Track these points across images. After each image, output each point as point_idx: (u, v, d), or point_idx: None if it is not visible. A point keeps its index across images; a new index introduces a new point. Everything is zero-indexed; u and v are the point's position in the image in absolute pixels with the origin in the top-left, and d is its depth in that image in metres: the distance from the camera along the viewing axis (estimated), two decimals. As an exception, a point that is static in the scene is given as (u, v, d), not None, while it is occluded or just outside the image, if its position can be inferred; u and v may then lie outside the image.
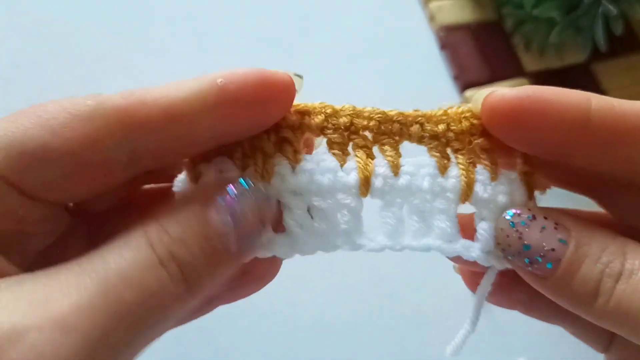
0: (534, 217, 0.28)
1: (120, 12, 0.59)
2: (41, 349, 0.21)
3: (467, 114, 0.29)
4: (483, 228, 0.28)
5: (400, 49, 0.59)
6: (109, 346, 0.22)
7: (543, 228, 0.27)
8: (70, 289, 0.22)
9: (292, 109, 0.28)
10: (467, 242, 0.28)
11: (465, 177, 0.28)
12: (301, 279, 0.45)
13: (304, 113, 0.29)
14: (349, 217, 0.28)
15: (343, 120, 0.29)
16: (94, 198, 0.27)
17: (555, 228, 0.27)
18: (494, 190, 0.28)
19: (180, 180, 0.28)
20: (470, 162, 0.29)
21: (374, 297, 0.47)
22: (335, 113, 0.29)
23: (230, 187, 0.25)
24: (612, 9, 0.51)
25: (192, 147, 0.27)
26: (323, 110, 0.29)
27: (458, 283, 0.34)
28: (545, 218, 0.27)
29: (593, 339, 0.32)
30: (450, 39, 0.59)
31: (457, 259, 0.29)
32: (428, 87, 0.58)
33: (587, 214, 0.32)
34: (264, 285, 0.31)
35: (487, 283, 0.31)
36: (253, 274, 0.30)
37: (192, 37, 0.58)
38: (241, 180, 0.26)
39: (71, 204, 0.29)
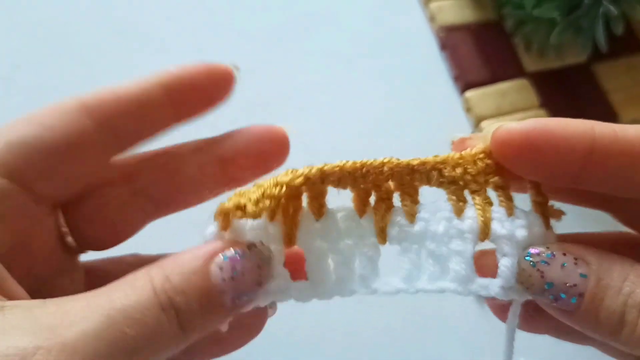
0: (553, 255, 0.29)
1: (120, 12, 0.59)
2: None
3: (481, 156, 0.30)
4: (504, 265, 0.29)
5: (400, 49, 0.59)
6: None
7: (563, 265, 0.28)
8: (78, 318, 0.25)
9: (327, 172, 0.30)
10: (485, 280, 0.29)
11: (482, 217, 0.30)
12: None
13: (336, 176, 0.30)
14: (367, 263, 0.30)
15: (359, 174, 0.30)
16: (94, 224, 0.32)
17: (575, 263, 0.28)
18: (512, 225, 0.30)
19: (210, 230, 0.30)
20: (486, 202, 0.30)
21: (375, 298, 0.47)
22: (361, 168, 0.30)
23: (235, 247, 0.28)
24: (613, 10, 0.51)
25: (159, 125, 0.33)
26: (354, 170, 0.30)
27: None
28: (564, 254, 0.28)
29: (626, 356, 0.33)
30: (450, 39, 0.59)
31: (486, 298, 0.30)
32: (428, 87, 0.58)
33: (603, 237, 0.34)
34: (249, 340, 0.33)
35: (514, 317, 0.31)
36: (239, 331, 0.32)
37: (192, 37, 0.58)
38: (250, 242, 0.29)
39: (71, 241, 0.32)
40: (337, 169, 0.30)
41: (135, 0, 0.60)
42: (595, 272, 0.28)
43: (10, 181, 0.28)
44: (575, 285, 0.28)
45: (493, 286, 0.29)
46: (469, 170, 0.30)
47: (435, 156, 0.31)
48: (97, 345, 0.24)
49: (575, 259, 0.28)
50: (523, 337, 0.44)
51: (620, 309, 0.27)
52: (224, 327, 0.30)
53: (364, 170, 0.30)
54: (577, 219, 0.32)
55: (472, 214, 0.30)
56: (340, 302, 0.47)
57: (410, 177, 0.31)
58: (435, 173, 0.31)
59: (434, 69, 0.59)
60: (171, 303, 0.26)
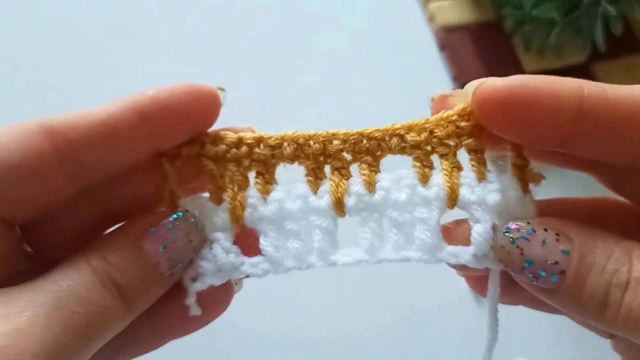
0: (534, 231, 0.27)
1: (120, 12, 0.59)
2: (7, 351, 0.24)
3: (453, 117, 0.29)
4: (476, 231, 0.28)
5: (399, 50, 0.59)
6: (65, 351, 0.25)
7: (544, 241, 0.27)
8: (27, 304, 0.26)
9: (264, 141, 0.30)
10: (455, 248, 0.28)
11: (449, 182, 0.29)
12: (300, 279, 0.45)
13: (275, 147, 0.30)
14: (321, 236, 0.30)
15: (316, 146, 0.30)
16: (53, 239, 0.30)
17: (557, 240, 0.27)
18: (483, 190, 0.29)
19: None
20: (453, 167, 0.29)
21: (373, 294, 0.47)
22: (308, 140, 0.30)
23: (162, 219, 0.29)
24: (612, 10, 0.51)
25: (133, 155, 0.29)
26: (295, 139, 0.30)
27: (454, 278, 0.34)
28: (546, 230, 0.27)
29: (599, 329, 0.32)
30: (449, 39, 0.59)
31: (457, 265, 0.29)
32: (427, 87, 0.58)
33: (584, 202, 0.32)
34: (216, 317, 0.32)
35: (494, 288, 0.30)
36: (205, 307, 0.31)
37: (192, 37, 0.58)
38: (181, 211, 0.29)
39: (30, 250, 0.31)
40: (279, 137, 0.30)
41: (135, 1, 0.60)
42: (578, 248, 0.26)
43: None
44: (556, 262, 0.26)
45: (464, 254, 0.28)
46: (437, 133, 0.29)
47: (397, 124, 0.30)
48: (51, 327, 0.25)
49: (557, 234, 0.27)
50: (523, 337, 0.44)
51: (604, 289, 0.25)
52: (196, 310, 0.30)
53: (312, 142, 0.30)
54: (559, 181, 0.30)
55: (438, 181, 0.29)
56: (339, 303, 0.47)
57: (368, 146, 0.30)
58: (395, 139, 0.30)
59: (434, 69, 0.59)
60: (112, 281, 0.27)
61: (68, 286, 0.26)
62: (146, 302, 0.28)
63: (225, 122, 0.57)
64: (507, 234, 0.27)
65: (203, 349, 0.44)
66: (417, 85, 0.58)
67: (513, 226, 0.27)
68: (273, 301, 0.46)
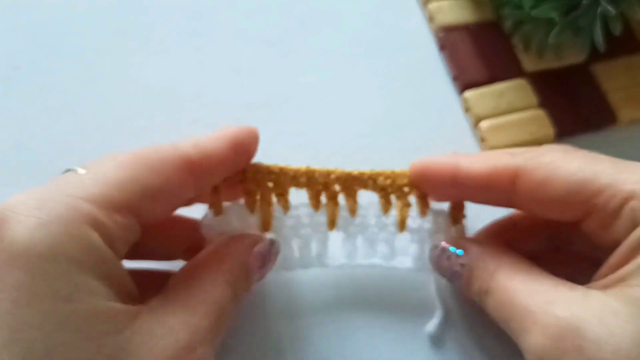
0: (442, 250, 0.41)
1: (120, 12, 0.59)
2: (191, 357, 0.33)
3: (407, 174, 0.43)
4: (413, 247, 0.43)
5: (399, 50, 0.59)
6: (216, 338, 0.35)
7: (448, 257, 0.40)
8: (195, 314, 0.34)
9: (285, 172, 0.43)
10: (402, 257, 0.44)
11: (400, 215, 0.43)
12: (299, 277, 0.46)
13: (293, 177, 0.42)
14: (320, 245, 0.43)
15: (321, 180, 0.43)
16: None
17: (456, 256, 0.40)
18: (422, 222, 0.43)
19: (207, 216, 0.42)
20: (404, 205, 0.43)
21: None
22: (314, 174, 0.43)
23: (267, 244, 0.40)
24: (611, 10, 0.51)
25: (221, 178, 0.40)
26: (306, 174, 0.42)
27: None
28: (453, 248, 0.40)
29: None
30: (449, 39, 0.59)
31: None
32: (427, 87, 0.58)
33: (503, 222, 0.45)
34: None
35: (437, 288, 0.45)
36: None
37: (192, 37, 0.58)
38: (271, 238, 0.41)
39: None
40: (295, 170, 0.42)
41: (135, 1, 0.60)
42: (469, 263, 0.39)
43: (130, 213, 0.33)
44: (457, 272, 0.40)
45: (407, 262, 0.44)
46: (397, 182, 0.42)
47: (375, 170, 0.43)
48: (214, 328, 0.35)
49: (460, 252, 0.40)
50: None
51: (478, 293, 0.38)
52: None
53: (316, 174, 0.42)
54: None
55: (394, 213, 0.43)
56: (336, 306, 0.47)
57: (351, 183, 0.42)
58: (370, 181, 0.43)
59: (433, 69, 0.59)
60: (234, 292, 0.37)
61: (213, 298, 0.35)
62: (243, 295, 0.39)
63: (226, 122, 0.58)
64: (430, 250, 0.42)
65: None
66: (417, 85, 0.58)
67: (433, 245, 0.42)
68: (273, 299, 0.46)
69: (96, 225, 0.30)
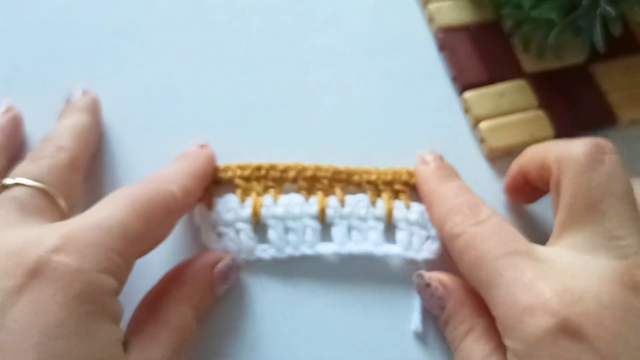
0: (427, 285, 0.43)
1: (120, 12, 0.59)
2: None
3: (402, 176, 0.49)
4: (401, 236, 0.47)
5: (398, 50, 0.59)
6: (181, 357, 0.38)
7: (431, 294, 0.43)
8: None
9: (275, 168, 0.48)
10: (389, 245, 0.46)
11: (387, 206, 0.47)
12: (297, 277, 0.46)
13: (283, 171, 0.48)
14: (311, 233, 0.46)
15: (309, 173, 0.48)
16: None
17: (439, 295, 0.43)
18: (407, 212, 0.47)
19: (199, 210, 0.46)
20: (390, 197, 0.48)
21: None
22: (304, 169, 0.48)
23: (229, 261, 0.44)
24: (611, 10, 0.51)
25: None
26: (296, 167, 0.48)
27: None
28: (434, 284, 0.43)
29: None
30: (449, 40, 0.59)
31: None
32: (427, 87, 0.58)
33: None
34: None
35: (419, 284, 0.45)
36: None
37: (192, 37, 0.58)
38: (232, 257, 0.44)
39: None
40: (284, 166, 0.48)
41: (135, 1, 0.60)
42: (448, 305, 0.42)
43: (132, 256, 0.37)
44: (438, 305, 0.43)
45: (395, 249, 0.46)
46: (381, 177, 0.48)
47: (361, 167, 0.49)
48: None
49: (440, 288, 0.43)
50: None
51: (452, 338, 0.42)
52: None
53: (308, 172, 0.47)
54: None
55: (382, 205, 0.47)
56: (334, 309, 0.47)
57: (339, 177, 0.48)
58: (357, 177, 0.48)
59: (433, 70, 0.59)
60: (197, 315, 0.41)
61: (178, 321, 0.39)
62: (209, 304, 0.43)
63: (226, 122, 0.58)
64: (415, 278, 0.44)
65: (204, 350, 0.44)
66: (417, 86, 0.58)
67: (418, 274, 0.44)
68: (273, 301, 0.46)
69: (116, 274, 0.34)
